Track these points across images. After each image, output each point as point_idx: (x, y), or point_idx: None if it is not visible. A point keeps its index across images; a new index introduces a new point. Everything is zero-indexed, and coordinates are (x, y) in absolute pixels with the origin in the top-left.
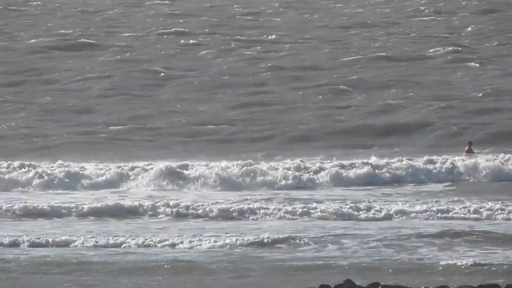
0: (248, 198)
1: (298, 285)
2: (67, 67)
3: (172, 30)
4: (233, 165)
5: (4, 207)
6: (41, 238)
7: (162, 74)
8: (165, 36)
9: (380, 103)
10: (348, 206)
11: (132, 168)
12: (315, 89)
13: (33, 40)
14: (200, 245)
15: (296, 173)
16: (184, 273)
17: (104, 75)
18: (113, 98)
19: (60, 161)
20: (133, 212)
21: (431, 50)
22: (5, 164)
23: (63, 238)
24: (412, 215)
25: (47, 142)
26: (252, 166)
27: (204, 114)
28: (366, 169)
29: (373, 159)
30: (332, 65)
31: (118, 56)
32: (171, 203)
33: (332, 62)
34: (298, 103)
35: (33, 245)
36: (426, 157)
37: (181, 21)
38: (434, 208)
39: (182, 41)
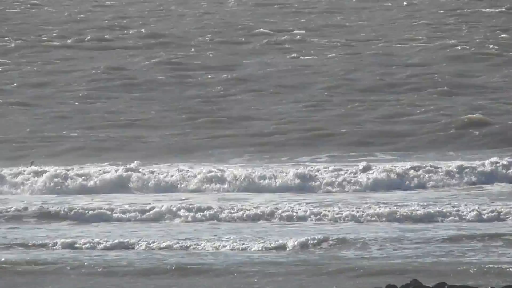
0: None
1: (365, 285)
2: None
3: (257, 31)
4: None
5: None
6: None
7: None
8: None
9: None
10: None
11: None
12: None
13: (107, 36)
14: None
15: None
16: None
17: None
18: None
19: None
20: None
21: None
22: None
23: None
24: (486, 216)
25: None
26: None
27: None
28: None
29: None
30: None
31: (180, 55)
32: None
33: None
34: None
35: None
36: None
37: (244, 20)
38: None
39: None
